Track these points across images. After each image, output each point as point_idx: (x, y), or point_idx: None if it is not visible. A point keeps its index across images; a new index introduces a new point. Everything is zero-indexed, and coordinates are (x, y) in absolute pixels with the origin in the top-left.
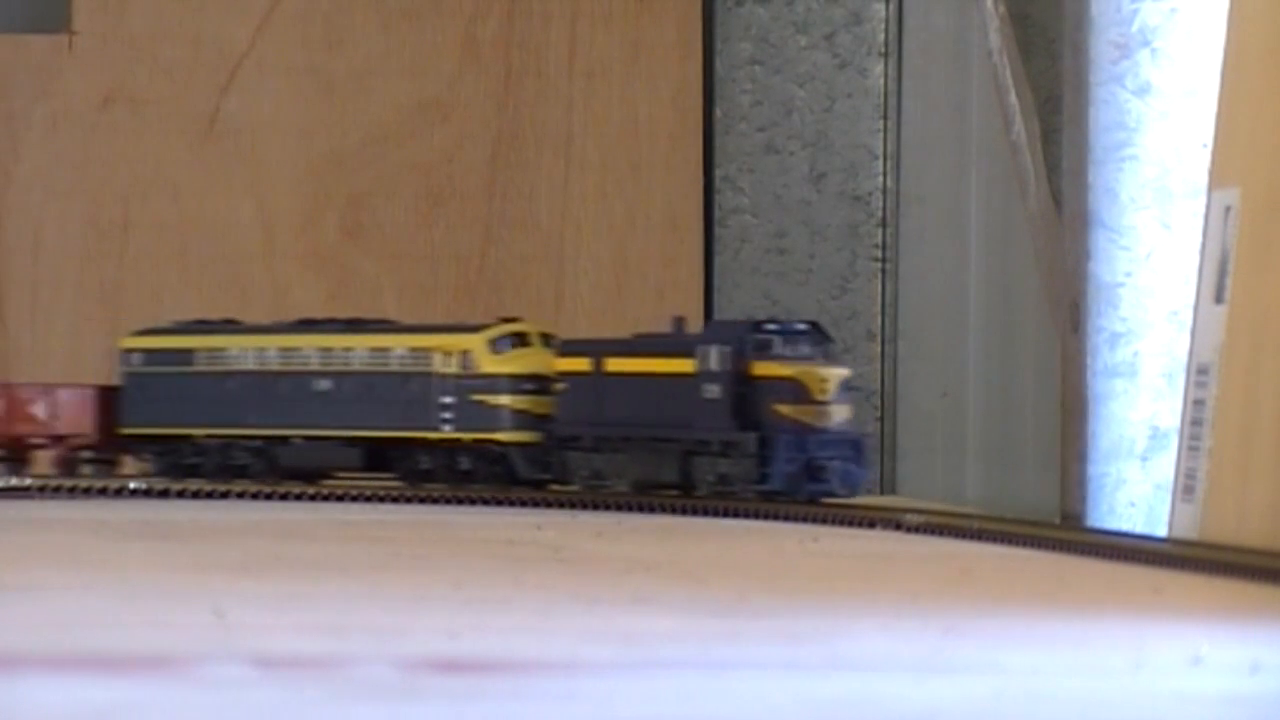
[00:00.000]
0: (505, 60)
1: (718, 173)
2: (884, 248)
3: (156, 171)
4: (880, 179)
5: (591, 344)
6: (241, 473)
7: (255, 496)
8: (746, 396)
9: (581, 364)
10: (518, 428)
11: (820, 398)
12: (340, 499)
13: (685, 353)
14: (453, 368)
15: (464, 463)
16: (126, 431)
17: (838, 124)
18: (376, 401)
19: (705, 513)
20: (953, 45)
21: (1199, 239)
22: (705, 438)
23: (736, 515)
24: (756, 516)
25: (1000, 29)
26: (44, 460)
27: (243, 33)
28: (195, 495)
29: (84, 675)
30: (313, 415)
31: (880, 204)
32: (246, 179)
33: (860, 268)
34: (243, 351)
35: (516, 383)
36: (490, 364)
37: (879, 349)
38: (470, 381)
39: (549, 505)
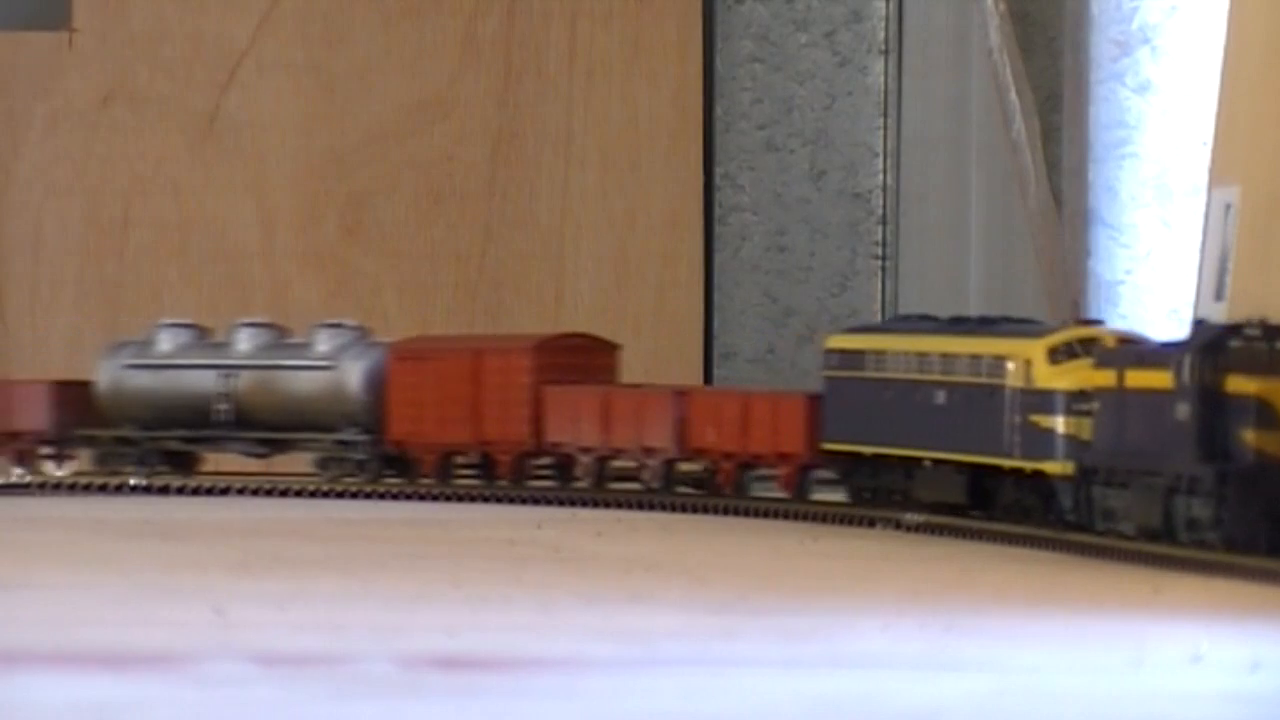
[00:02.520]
0: (505, 58)
1: (718, 170)
2: (884, 245)
3: (156, 169)
4: (880, 177)
5: (1121, 353)
6: (904, 504)
7: (255, 494)
8: (1212, 419)
9: (1108, 378)
10: (1067, 457)
11: None
12: (340, 496)
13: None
14: (1019, 380)
15: (1017, 495)
16: (830, 448)
17: (838, 122)
18: (968, 420)
19: (705, 511)
20: (953, 43)
21: (1199, 237)
22: (1178, 471)
23: (737, 514)
24: (757, 515)
25: (1000, 27)
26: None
27: (243, 31)
28: (195, 493)
29: (85, 672)
30: (929, 435)
31: (880, 202)
32: (246, 177)
33: (860, 265)
34: (898, 356)
35: (1070, 401)
36: (1047, 376)
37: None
38: (1029, 397)
39: (549, 504)
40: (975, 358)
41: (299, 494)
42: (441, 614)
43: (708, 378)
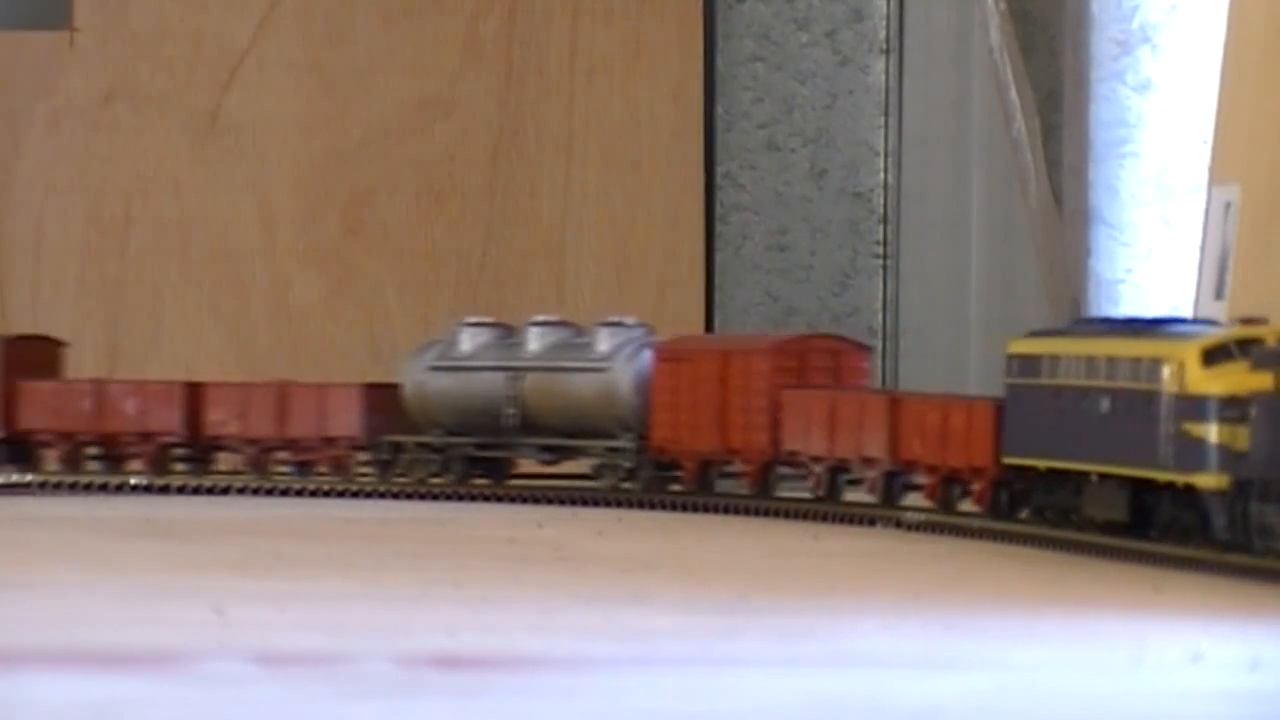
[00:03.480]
0: (507, 57)
1: (719, 170)
2: (885, 244)
3: (158, 168)
4: (881, 176)
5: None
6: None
7: (256, 493)
8: None
9: (1266, 381)
10: (1220, 469)
11: None
12: (340, 495)
13: None
14: (1173, 385)
15: (1174, 513)
16: (1011, 462)
17: (839, 121)
18: (1129, 430)
19: (706, 510)
20: (954, 42)
21: (1199, 235)
22: None
23: (737, 513)
24: (757, 514)
25: (1001, 26)
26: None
27: (244, 30)
28: (195, 492)
29: (85, 672)
30: (1095, 447)
31: (881, 201)
32: (247, 176)
33: (861, 264)
34: (1070, 361)
35: (1223, 407)
36: (1199, 381)
37: (880, 346)
38: (1181, 404)
39: (550, 502)
40: (1135, 361)
41: (299, 493)
42: (442, 613)
43: None
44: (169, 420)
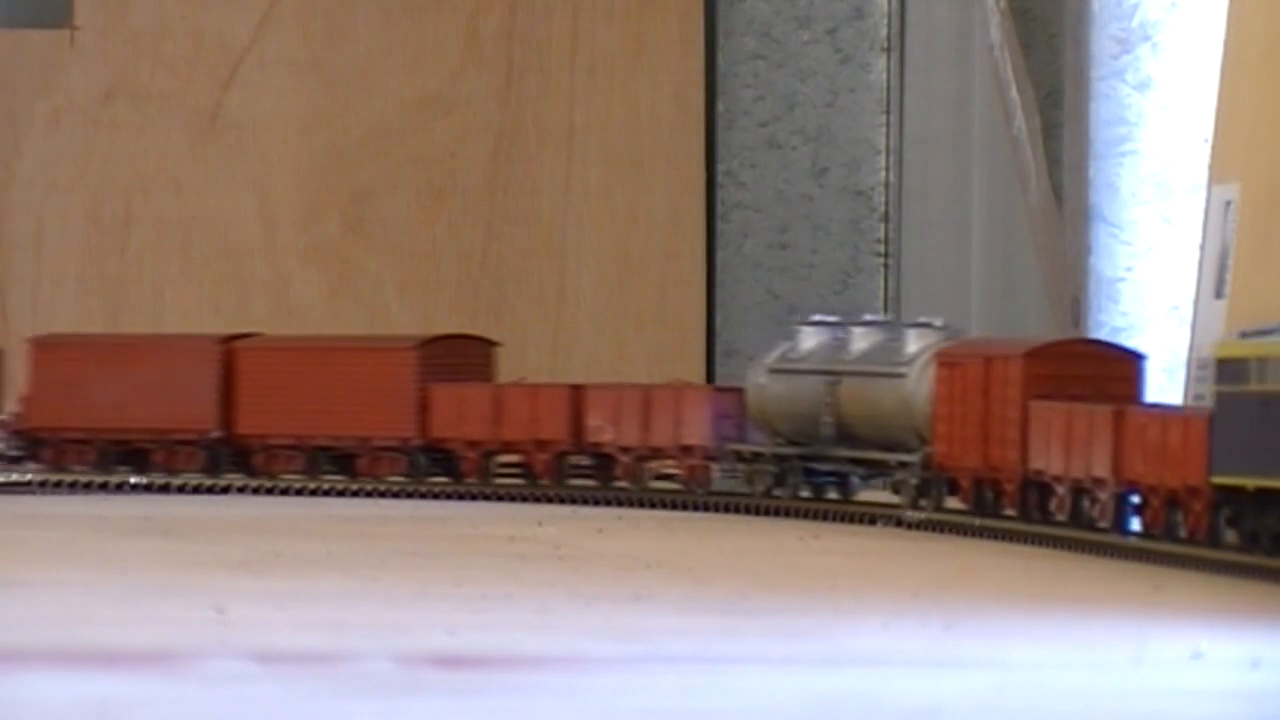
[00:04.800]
0: (507, 55)
1: (720, 168)
2: (886, 242)
3: (158, 166)
4: (882, 174)
5: None
6: None
7: (256, 492)
8: None
9: None
10: None
11: None
12: (340, 494)
13: None
14: None
15: None
16: (1220, 482)
17: (840, 119)
18: None
19: (705, 509)
20: (954, 40)
21: (1199, 234)
22: None
23: (737, 511)
24: (757, 513)
25: (1001, 24)
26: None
27: (244, 28)
28: (195, 491)
29: (86, 671)
30: None
31: (882, 198)
32: (248, 174)
33: (862, 262)
34: (1276, 365)
35: None
36: None
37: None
38: None
39: (549, 501)
40: None
41: (299, 492)
42: (441, 612)
43: (709, 375)
44: (558, 427)
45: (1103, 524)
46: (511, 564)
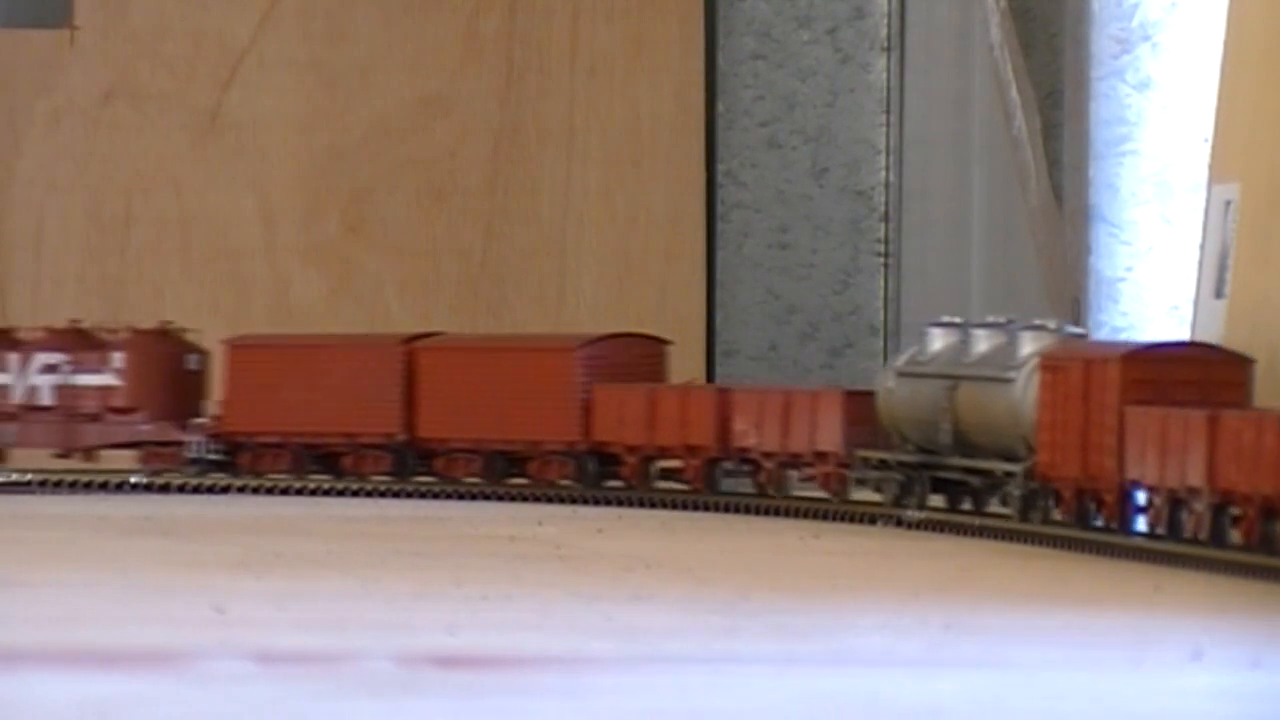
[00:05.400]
0: (507, 55)
1: (720, 168)
2: (886, 243)
3: (158, 166)
4: (882, 174)
5: None
6: None
7: (256, 491)
8: None
9: None
10: None
11: None
12: (341, 494)
13: None
14: None
15: None
16: None
17: (840, 119)
18: None
19: (706, 508)
20: (955, 40)
21: (1199, 234)
22: None
23: (737, 511)
24: (757, 513)
25: (1001, 24)
26: None
27: (244, 28)
28: (196, 490)
29: (86, 671)
30: None
31: (882, 199)
32: (248, 174)
33: (863, 263)
34: None
35: None
36: None
37: (881, 344)
38: None
39: (549, 501)
40: None
41: (299, 492)
42: (442, 612)
43: (710, 375)
44: (706, 431)
45: (1200, 537)
46: (511, 564)
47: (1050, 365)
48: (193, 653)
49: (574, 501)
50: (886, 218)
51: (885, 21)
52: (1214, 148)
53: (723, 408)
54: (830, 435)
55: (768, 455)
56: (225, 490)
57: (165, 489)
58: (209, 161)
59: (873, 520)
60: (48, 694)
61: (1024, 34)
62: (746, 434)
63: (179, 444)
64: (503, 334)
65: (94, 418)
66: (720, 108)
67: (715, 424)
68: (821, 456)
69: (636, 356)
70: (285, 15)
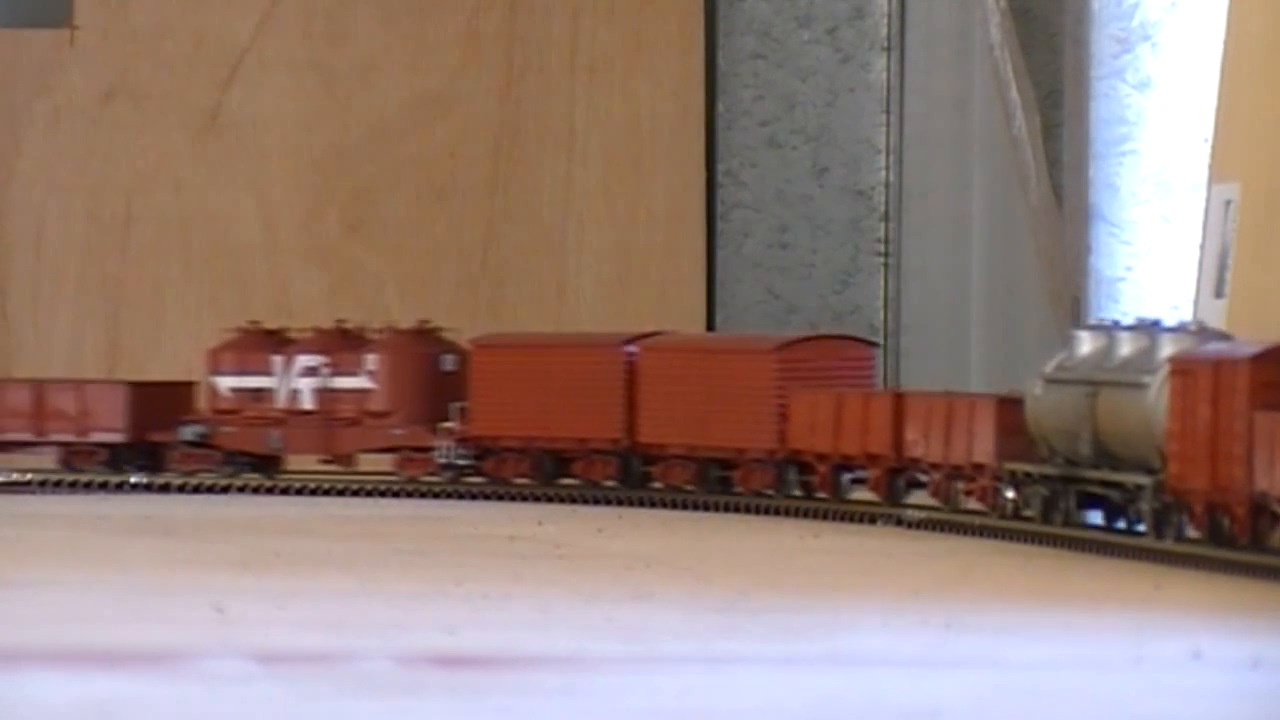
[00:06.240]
0: (507, 55)
1: (720, 167)
2: (886, 242)
3: (158, 166)
4: (882, 173)
5: None
6: None
7: (256, 491)
8: None
9: None
10: None
11: None
12: (341, 494)
13: None
14: None
15: None
16: None
17: (840, 118)
18: None
19: (705, 508)
20: (955, 40)
21: (1199, 233)
22: None
23: (737, 510)
24: (758, 512)
25: (1002, 24)
26: None
27: (244, 27)
28: (196, 490)
29: (86, 670)
30: None
31: (882, 198)
32: (248, 173)
33: (863, 262)
34: None
35: None
36: None
37: (881, 343)
38: None
39: (549, 500)
40: None
41: (299, 491)
42: (442, 611)
43: None
44: (883, 439)
45: None
46: (511, 563)
47: (1180, 369)
48: (193, 652)
49: (574, 501)
50: (886, 217)
51: (885, 21)
52: (1214, 147)
53: (898, 414)
54: (984, 446)
55: (935, 466)
56: (225, 490)
57: (165, 489)
58: (209, 161)
59: (873, 520)
60: (48, 693)
61: (1024, 34)
62: (917, 443)
63: (430, 449)
64: (715, 334)
65: (352, 422)
66: (720, 107)
67: (892, 431)
68: (978, 468)
69: (839, 359)
70: (285, 15)
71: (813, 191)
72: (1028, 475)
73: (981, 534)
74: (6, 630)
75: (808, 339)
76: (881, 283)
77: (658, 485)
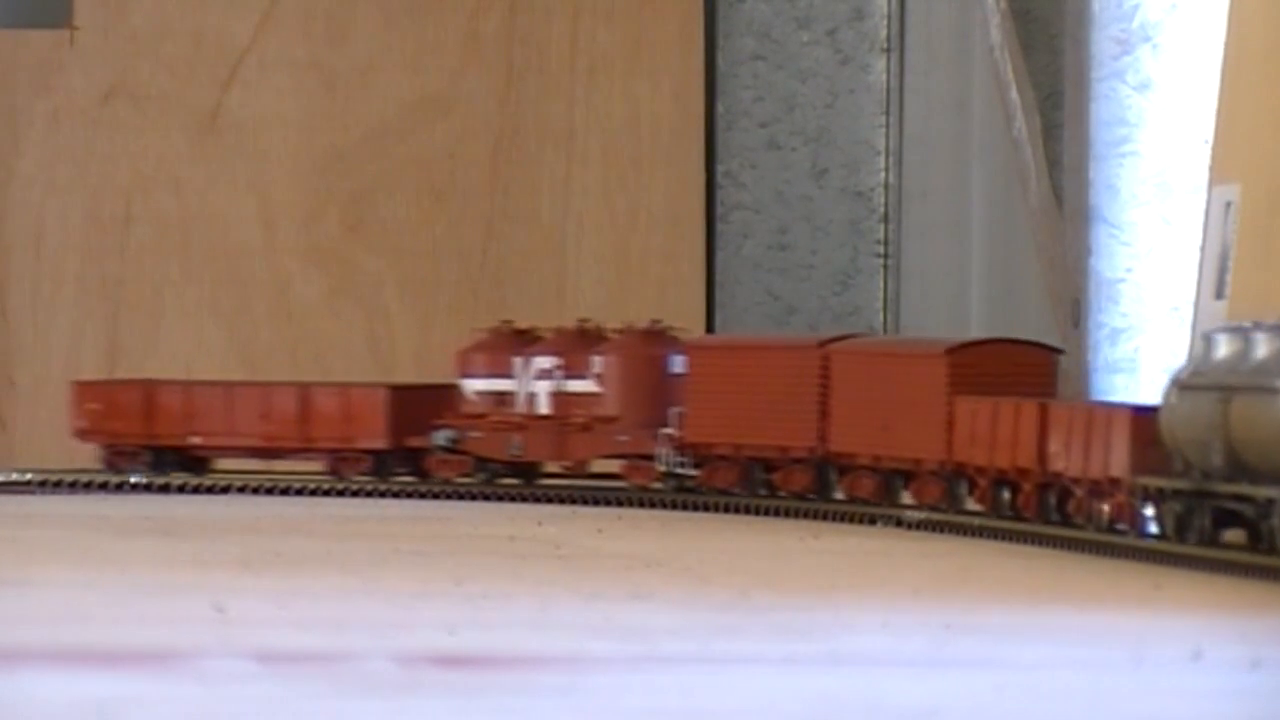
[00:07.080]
0: (507, 56)
1: (719, 168)
2: (886, 243)
3: (158, 166)
4: (882, 175)
5: None
6: None
7: (256, 491)
8: None
9: None
10: None
11: None
12: (340, 494)
13: None
14: None
15: None
16: None
17: (840, 120)
18: None
19: (705, 508)
20: (955, 41)
21: (1199, 235)
22: None
23: (737, 511)
24: (758, 513)
25: (1002, 24)
26: None
27: (244, 28)
28: (196, 490)
29: (86, 670)
30: None
31: (882, 200)
32: (248, 174)
33: (862, 264)
34: None
35: None
36: None
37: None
38: None
39: (549, 500)
40: None
41: (299, 491)
42: (442, 611)
43: None
44: (1029, 452)
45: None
46: (511, 563)
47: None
48: (193, 652)
49: (573, 502)
50: (886, 219)
51: (885, 23)
52: (1214, 149)
53: (1042, 424)
54: (1119, 459)
55: (1075, 481)
56: (225, 490)
57: (165, 489)
58: (209, 161)
59: (872, 520)
60: (47, 693)
61: (1024, 35)
62: (1059, 456)
63: (652, 456)
64: (897, 336)
65: (584, 427)
66: (720, 108)
67: (1036, 443)
68: (1115, 483)
69: (1016, 365)
70: (285, 15)
71: (812, 193)
72: (1160, 491)
73: (981, 535)
74: (6, 630)
75: (982, 342)
76: (881, 284)
77: (841, 497)
